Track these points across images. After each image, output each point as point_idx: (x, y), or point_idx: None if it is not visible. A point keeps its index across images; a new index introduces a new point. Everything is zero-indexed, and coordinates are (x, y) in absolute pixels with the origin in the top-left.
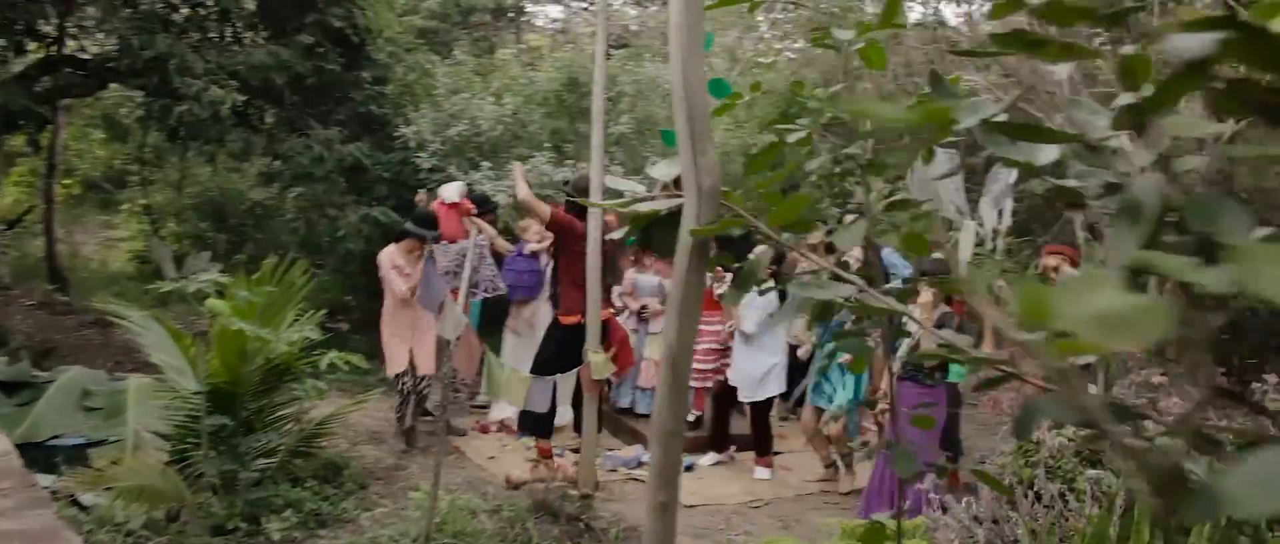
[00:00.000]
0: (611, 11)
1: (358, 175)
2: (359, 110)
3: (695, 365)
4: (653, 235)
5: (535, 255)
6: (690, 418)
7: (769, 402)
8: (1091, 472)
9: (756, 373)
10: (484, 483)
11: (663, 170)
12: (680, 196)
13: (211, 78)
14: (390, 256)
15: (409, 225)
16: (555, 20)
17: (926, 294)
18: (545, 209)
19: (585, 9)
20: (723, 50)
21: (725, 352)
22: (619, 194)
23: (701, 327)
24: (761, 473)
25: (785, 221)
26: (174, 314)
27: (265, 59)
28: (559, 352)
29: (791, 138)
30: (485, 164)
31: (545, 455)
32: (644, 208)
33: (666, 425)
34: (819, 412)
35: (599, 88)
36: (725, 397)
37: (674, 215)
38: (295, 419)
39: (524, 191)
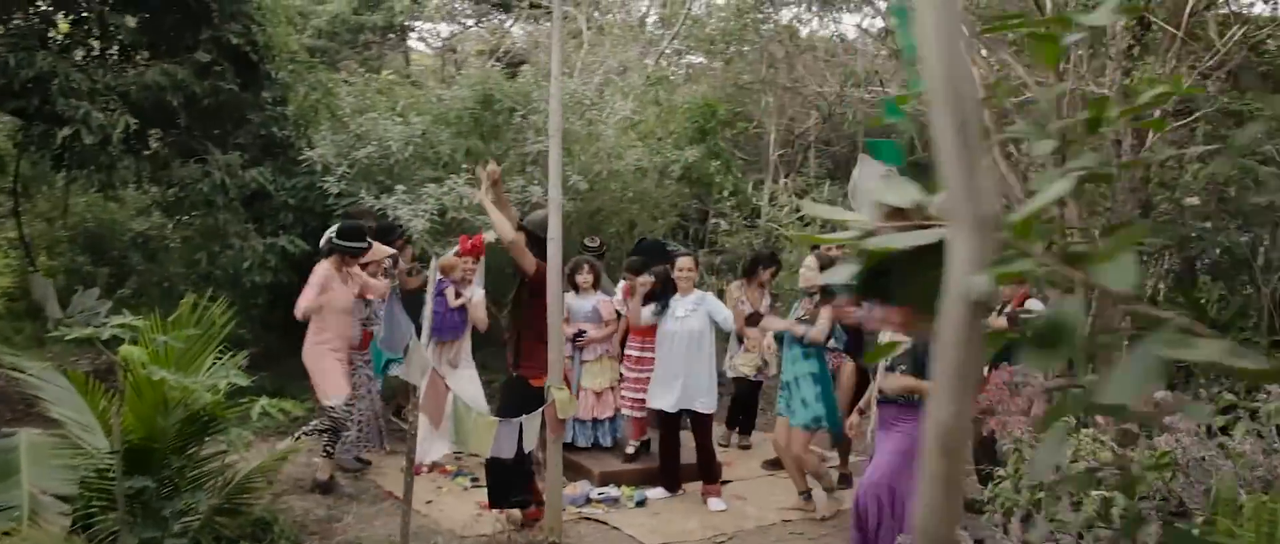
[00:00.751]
0: (503, 30)
1: (261, 202)
2: (259, 133)
3: (635, 395)
4: (894, 281)
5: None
6: (629, 449)
7: (709, 424)
8: (1097, 493)
9: (696, 383)
10: (430, 533)
11: (895, 193)
12: (918, 226)
13: (99, 100)
14: (323, 271)
15: (335, 239)
16: (444, 39)
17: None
18: (532, 262)
19: (474, 26)
20: (634, 64)
21: None
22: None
23: (638, 352)
24: (716, 504)
25: (1110, 258)
26: (53, 356)
27: (158, 79)
28: (523, 408)
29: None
30: (399, 188)
31: (535, 519)
32: (877, 244)
33: (937, 533)
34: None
35: (555, 102)
36: (670, 423)
37: (920, 254)
38: (220, 474)
39: (513, 238)
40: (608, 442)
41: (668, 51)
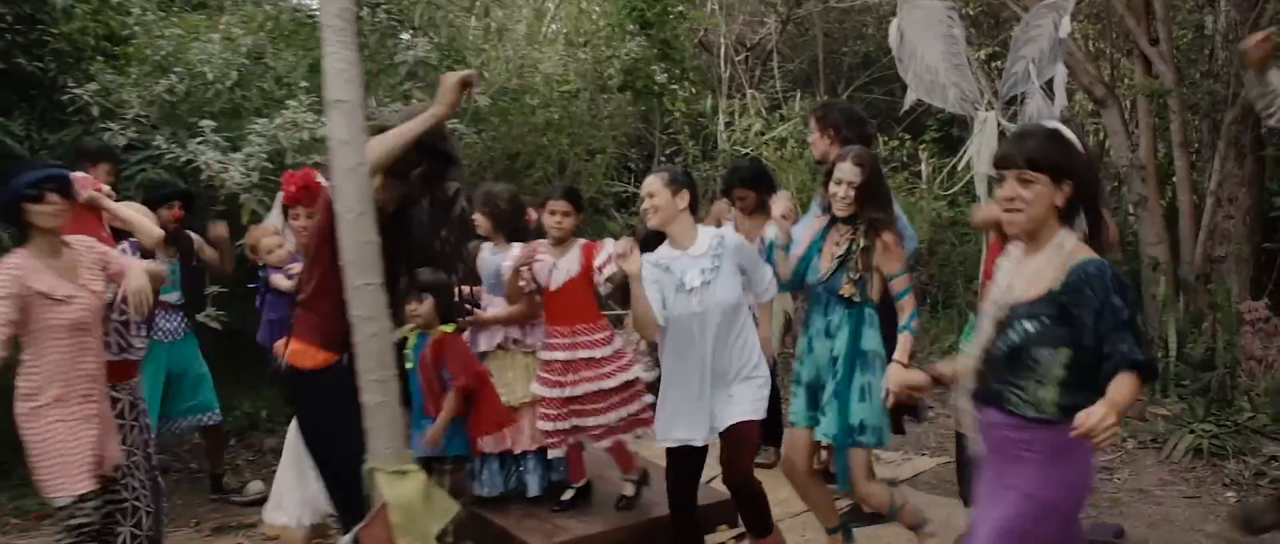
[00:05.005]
0: None
1: (5, 166)
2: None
3: (589, 419)
4: None
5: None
6: (565, 497)
7: (757, 438)
8: None
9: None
10: None
11: None
12: None
13: None
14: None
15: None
16: None
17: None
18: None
19: None
20: None
21: (624, 389)
22: None
23: (564, 354)
24: None
25: None
26: None
27: None
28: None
29: None
30: (206, 124)
31: None
32: None
33: None
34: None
35: None
36: (693, 462)
37: None
38: None
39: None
40: (536, 487)
41: None
